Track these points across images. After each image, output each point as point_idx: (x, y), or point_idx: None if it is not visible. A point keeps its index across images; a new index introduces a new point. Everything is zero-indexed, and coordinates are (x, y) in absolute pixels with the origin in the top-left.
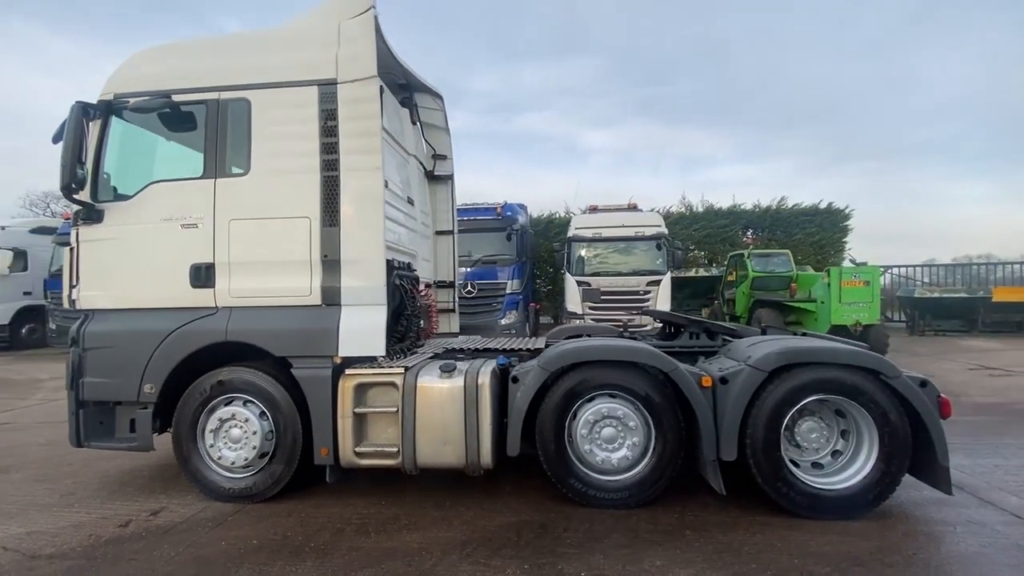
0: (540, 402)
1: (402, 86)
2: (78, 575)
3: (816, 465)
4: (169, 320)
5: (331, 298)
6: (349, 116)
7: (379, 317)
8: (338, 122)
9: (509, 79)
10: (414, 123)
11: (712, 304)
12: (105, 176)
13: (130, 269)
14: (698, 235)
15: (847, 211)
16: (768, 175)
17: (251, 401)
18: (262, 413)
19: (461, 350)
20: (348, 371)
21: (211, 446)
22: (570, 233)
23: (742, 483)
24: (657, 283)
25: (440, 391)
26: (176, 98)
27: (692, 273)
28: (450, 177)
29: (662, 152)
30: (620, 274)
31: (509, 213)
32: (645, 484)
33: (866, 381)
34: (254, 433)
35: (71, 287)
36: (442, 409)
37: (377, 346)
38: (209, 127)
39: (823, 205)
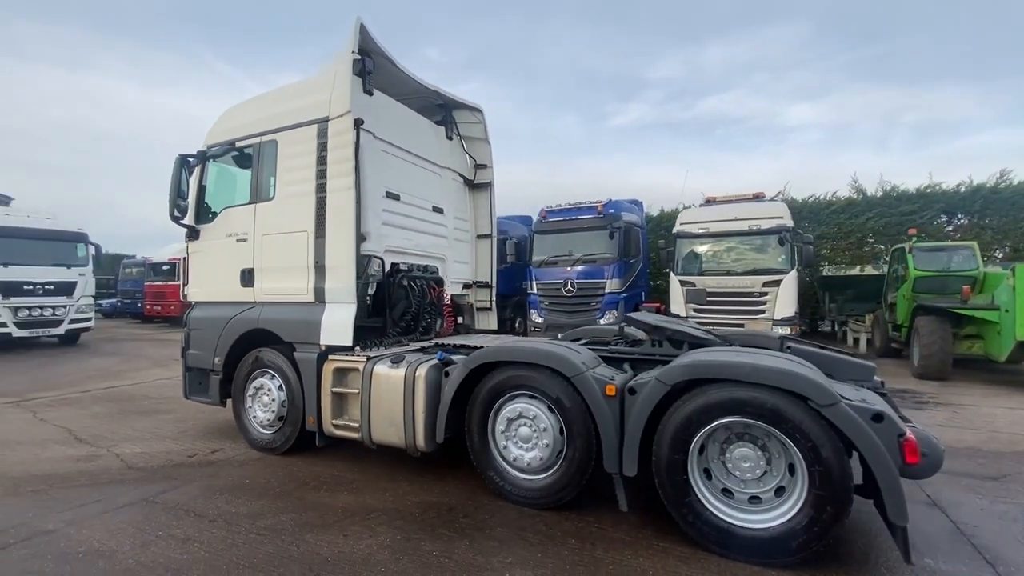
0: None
1: (440, 106)
2: (139, 482)
3: (754, 499)
4: (230, 310)
5: (320, 296)
6: (333, 146)
7: (349, 313)
8: (327, 152)
9: (690, 63)
10: (450, 138)
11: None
12: (206, 205)
13: (211, 272)
14: (874, 224)
15: None
16: None
17: (274, 375)
18: (280, 386)
19: (443, 345)
20: (331, 357)
21: (249, 407)
22: (675, 229)
23: None
24: (776, 283)
25: (387, 379)
26: (238, 144)
27: (856, 271)
28: (490, 184)
29: (891, 121)
30: (731, 273)
31: (612, 211)
32: (554, 489)
33: (792, 407)
34: (273, 400)
35: (184, 285)
36: (388, 394)
37: (345, 337)
38: (254, 164)
39: None
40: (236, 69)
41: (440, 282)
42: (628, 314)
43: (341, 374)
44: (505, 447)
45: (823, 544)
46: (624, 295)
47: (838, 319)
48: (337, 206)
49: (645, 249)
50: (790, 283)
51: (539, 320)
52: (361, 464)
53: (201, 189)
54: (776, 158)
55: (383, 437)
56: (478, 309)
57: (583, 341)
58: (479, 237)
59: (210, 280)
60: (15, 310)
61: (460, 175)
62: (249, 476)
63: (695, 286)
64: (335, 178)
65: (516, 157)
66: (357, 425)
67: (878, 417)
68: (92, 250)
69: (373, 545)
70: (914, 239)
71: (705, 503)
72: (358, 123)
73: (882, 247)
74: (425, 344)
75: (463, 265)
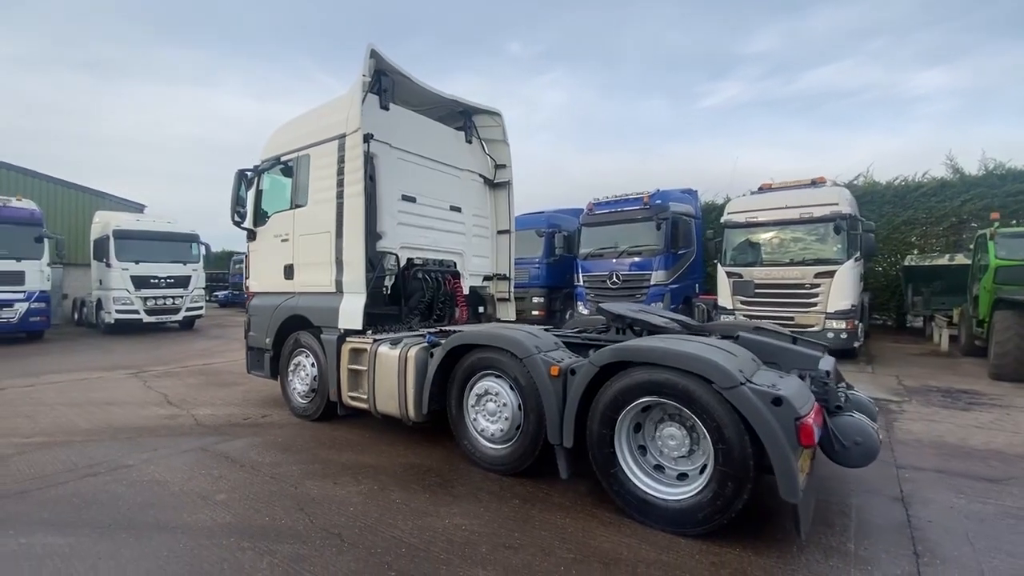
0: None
1: (461, 112)
2: (201, 436)
3: (683, 476)
4: (277, 300)
5: (339, 287)
6: (348, 158)
7: (359, 301)
8: (344, 163)
9: (792, 33)
10: (469, 141)
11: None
12: (262, 211)
13: (264, 267)
14: (972, 207)
15: None
16: None
17: (309, 354)
18: (312, 363)
19: (445, 331)
20: (348, 339)
21: (290, 380)
22: (722, 218)
23: None
24: (830, 274)
25: (386, 357)
26: (283, 159)
27: (945, 261)
28: (508, 183)
29: None
30: (780, 264)
31: (658, 201)
32: (513, 457)
33: (700, 389)
34: (307, 375)
35: (246, 279)
36: (387, 372)
37: (357, 322)
38: (294, 175)
39: None
40: (336, 80)
41: (457, 275)
42: (600, 304)
43: (355, 353)
44: (475, 419)
45: (726, 518)
46: (672, 286)
47: (923, 313)
48: (351, 209)
49: (700, 240)
50: (846, 274)
51: (585, 312)
52: (371, 431)
53: (258, 197)
54: (897, 133)
55: (384, 408)
56: (498, 300)
57: (577, 329)
58: (499, 233)
59: (264, 274)
60: (144, 299)
61: (480, 175)
62: (283, 436)
63: (742, 278)
64: (350, 185)
65: (600, 147)
66: (366, 397)
67: (777, 401)
68: (202, 249)
69: (353, 492)
70: (996, 224)
71: (628, 474)
72: (367, 137)
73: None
74: (432, 330)
75: (483, 259)
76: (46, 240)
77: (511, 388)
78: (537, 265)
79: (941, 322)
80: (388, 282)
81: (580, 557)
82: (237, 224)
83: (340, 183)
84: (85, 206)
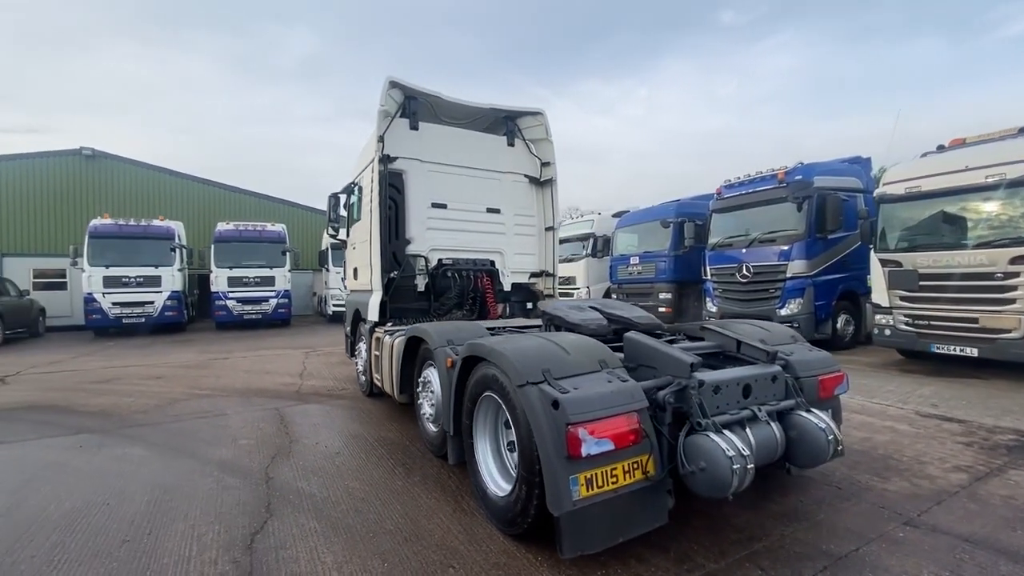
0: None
1: (505, 118)
2: (287, 399)
3: None
4: (352, 297)
5: (371, 286)
6: (375, 178)
7: (377, 298)
8: (374, 182)
9: None
10: (512, 144)
11: None
12: (354, 222)
13: (348, 270)
14: None
15: None
16: None
17: (364, 341)
18: (366, 348)
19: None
20: (375, 328)
21: (356, 362)
22: (876, 191)
23: None
24: None
25: (385, 345)
26: (355, 182)
27: None
28: (552, 180)
29: None
30: (955, 247)
31: (798, 177)
32: (439, 441)
33: (510, 385)
34: (363, 359)
35: (343, 279)
36: (386, 357)
37: (375, 315)
38: (358, 196)
39: None
40: (547, 90)
41: (493, 273)
42: (540, 302)
43: (377, 342)
44: (421, 403)
45: (526, 523)
46: (817, 279)
47: None
48: (375, 220)
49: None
50: None
51: (713, 309)
52: (388, 408)
53: (348, 213)
54: None
55: (385, 388)
56: (547, 296)
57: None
58: (546, 230)
59: (349, 275)
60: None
61: (525, 176)
62: (333, 405)
63: (901, 266)
64: (374, 200)
65: (847, 109)
66: (380, 378)
67: (555, 404)
68: None
69: (318, 451)
70: None
71: (481, 464)
72: (384, 159)
73: None
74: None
75: (528, 256)
76: (288, 253)
77: (438, 377)
78: (664, 259)
79: None
80: (420, 281)
81: (394, 530)
82: (332, 237)
83: (371, 199)
84: (321, 224)
